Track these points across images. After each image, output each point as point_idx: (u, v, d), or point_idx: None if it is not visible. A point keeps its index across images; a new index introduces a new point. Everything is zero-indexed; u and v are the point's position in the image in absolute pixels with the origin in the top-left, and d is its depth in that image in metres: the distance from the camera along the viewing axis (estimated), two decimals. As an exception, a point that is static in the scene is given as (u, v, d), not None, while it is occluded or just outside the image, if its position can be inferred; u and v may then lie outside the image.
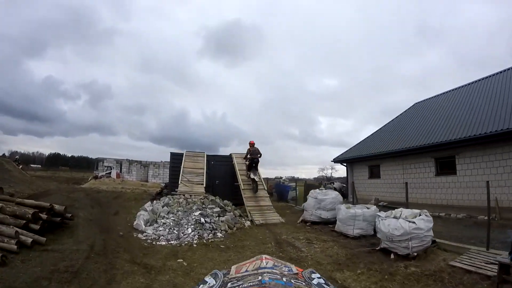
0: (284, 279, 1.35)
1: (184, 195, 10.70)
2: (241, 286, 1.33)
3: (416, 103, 20.14)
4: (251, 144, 13.10)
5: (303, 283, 1.38)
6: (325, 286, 1.47)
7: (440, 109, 16.37)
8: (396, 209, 7.36)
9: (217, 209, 9.62)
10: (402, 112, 20.28)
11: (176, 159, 14.10)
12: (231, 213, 9.95)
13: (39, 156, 76.50)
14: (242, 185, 12.22)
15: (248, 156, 12.82)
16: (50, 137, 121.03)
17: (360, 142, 19.78)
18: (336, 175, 47.05)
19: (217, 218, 9.06)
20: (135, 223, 8.55)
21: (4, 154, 25.54)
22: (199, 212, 9.00)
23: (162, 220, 8.51)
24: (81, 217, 8.98)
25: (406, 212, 6.93)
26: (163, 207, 9.46)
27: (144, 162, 33.33)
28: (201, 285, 1.53)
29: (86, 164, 55.70)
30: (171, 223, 8.33)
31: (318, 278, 1.53)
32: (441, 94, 18.53)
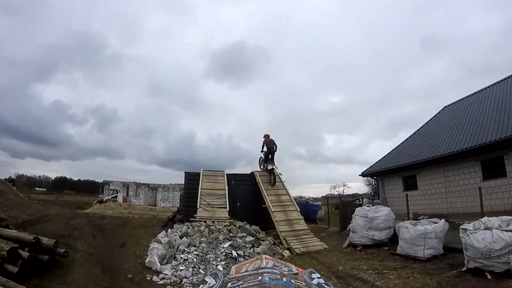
0: (284, 279, 1.32)
1: (205, 221, 8.72)
2: (241, 286, 1.29)
3: (445, 106, 18.46)
4: (267, 136, 12.46)
5: (303, 283, 1.35)
6: (325, 286, 1.43)
7: (476, 109, 14.73)
8: (481, 219, 5.94)
9: (250, 238, 7.63)
10: (431, 117, 18.58)
11: (191, 179, 12.19)
12: (266, 241, 7.95)
13: (45, 180, 74.82)
14: (271, 207, 10.24)
15: (265, 147, 12.32)
16: (57, 161, 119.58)
17: (389, 153, 17.88)
18: (348, 192, 44.66)
19: (251, 249, 7.07)
20: (147, 260, 6.50)
21: (10, 177, 23.41)
22: (229, 243, 7.00)
23: (183, 256, 6.50)
24: (80, 251, 7.08)
25: (495, 220, 5.71)
26: (181, 237, 7.47)
27: (152, 185, 31.44)
28: (201, 285, 1.48)
29: (92, 188, 54.09)
30: (195, 260, 6.32)
31: (318, 278, 1.48)
32: (470, 96, 16.91)
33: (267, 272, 1.40)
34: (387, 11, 75.94)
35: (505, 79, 15.06)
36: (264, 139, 12.54)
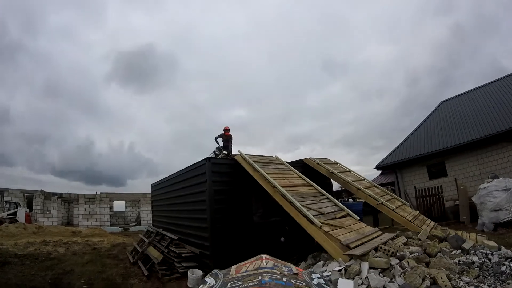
0: (284, 279, 1.26)
1: (378, 249, 3.65)
2: (241, 286, 1.25)
3: (442, 101, 17.96)
4: (227, 130, 10.42)
5: (303, 283, 1.29)
6: (325, 286, 1.37)
7: (491, 99, 14.45)
8: None
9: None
10: (430, 113, 17.77)
11: (221, 174, 6.55)
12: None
13: None
14: (397, 209, 5.80)
15: (220, 143, 10.40)
16: None
17: (402, 144, 15.90)
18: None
19: None
20: None
21: None
22: None
23: None
24: None
25: None
26: None
27: (66, 195, 22.01)
28: (201, 285, 1.48)
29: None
30: None
31: (318, 278, 1.39)
32: (470, 91, 16.92)
33: (267, 272, 1.32)
34: (292, 35, 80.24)
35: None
36: (223, 132, 10.40)
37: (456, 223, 9.05)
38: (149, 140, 79.38)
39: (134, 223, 23.32)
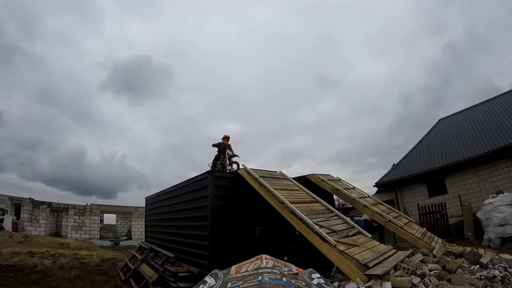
0: (284, 279, 1.27)
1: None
2: (241, 286, 1.25)
3: (441, 119, 18.17)
4: (226, 139, 9.34)
5: (303, 283, 1.30)
6: (325, 286, 1.37)
7: (488, 116, 14.65)
8: None
9: None
10: (429, 130, 17.95)
11: (222, 187, 6.13)
12: None
13: None
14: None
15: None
16: None
17: (401, 161, 15.96)
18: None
19: None
20: None
21: None
22: None
23: None
24: None
25: None
26: None
27: (55, 204, 21.33)
28: (201, 285, 1.48)
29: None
30: None
31: (318, 278, 1.40)
32: (467, 109, 17.18)
33: (267, 272, 1.34)
34: (287, 49, 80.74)
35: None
36: (221, 141, 9.31)
37: (461, 240, 8.97)
38: (141, 151, 78.10)
39: (125, 237, 22.65)
